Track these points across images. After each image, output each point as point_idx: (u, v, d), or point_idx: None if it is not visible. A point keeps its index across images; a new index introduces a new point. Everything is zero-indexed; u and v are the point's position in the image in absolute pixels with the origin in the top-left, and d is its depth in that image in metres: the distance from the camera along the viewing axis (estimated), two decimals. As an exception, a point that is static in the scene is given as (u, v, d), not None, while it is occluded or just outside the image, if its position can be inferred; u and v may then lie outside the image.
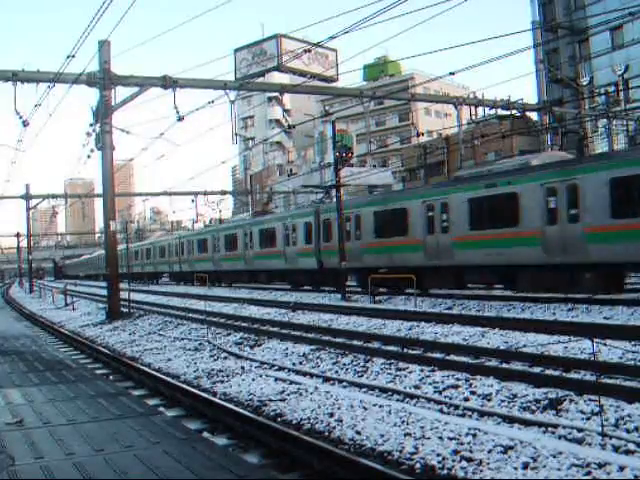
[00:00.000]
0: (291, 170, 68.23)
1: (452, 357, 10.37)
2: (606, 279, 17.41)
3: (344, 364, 10.49)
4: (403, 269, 22.75)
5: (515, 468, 5.15)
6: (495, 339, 11.78)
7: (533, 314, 15.73)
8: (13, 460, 5.01)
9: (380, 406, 7.39)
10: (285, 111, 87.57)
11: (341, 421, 6.87)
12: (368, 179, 45.48)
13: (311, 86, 32.83)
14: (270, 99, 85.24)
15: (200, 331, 15.75)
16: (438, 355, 10.65)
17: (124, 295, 23.20)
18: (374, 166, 59.43)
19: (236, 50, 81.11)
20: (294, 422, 7.09)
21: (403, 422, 6.67)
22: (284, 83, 38.48)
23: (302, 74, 60.35)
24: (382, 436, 6.22)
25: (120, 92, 20.98)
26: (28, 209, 51.44)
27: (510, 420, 6.71)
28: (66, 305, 30.12)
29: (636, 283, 22.84)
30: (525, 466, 5.18)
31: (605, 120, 34.51)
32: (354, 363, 10.48)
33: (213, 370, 10.49)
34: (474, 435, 6.04)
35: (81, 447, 5.37)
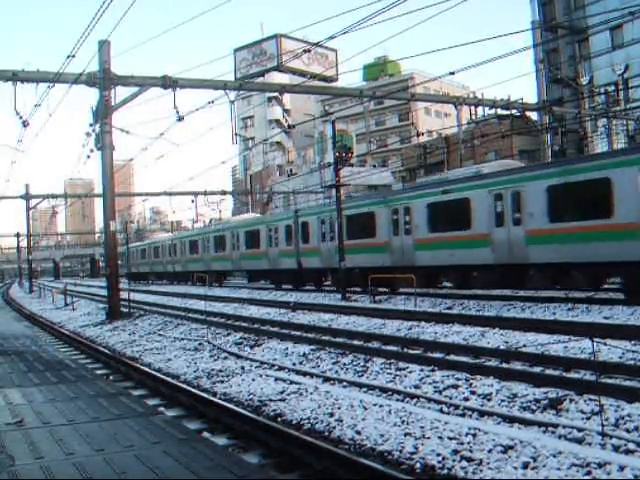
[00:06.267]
0: (291, 170, 68.14)
1: (452, 357, 10.37)
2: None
3: (344, 364, 10.50)
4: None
5: (515, 468, 5.15)
6: (495, 339, 11.79)
7: (533, 314, 15.73)
8: (13, 460, 5.00)
9: (380, 406, 7.39)
10: (285, 111, 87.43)
11: (341, 421, 6.87)
12: (368, 179, 45.51)
13: (311, 86, 32.78)
14: (270, 99, 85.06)
15: (200, 331, 15.75)
16: (438, 355, 10.65)
17: (124, 295, 23.20)
18: (374, 166, 59.43)
19: (236, 50, 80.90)
20: (294, 422, 7.09)
21: (403, 422, 6.67)
22: (284, 83, 38.38)
23: (302, 74, 60.12)
24: (382, 436, 6.21)
25: (120, 92, 21.00)
26: (28, 209, 51.41)
27: (510, 420, 6.71)
28: (66, 305, 30.10)
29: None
30: (525, 466, 5.18)
31: (605, 120, 34.51)
32: (354, 363, 10.48)
33: (213, 370, 10.49)
34: (474, 435, 6.04)
35: (81, 447, 5.37)
